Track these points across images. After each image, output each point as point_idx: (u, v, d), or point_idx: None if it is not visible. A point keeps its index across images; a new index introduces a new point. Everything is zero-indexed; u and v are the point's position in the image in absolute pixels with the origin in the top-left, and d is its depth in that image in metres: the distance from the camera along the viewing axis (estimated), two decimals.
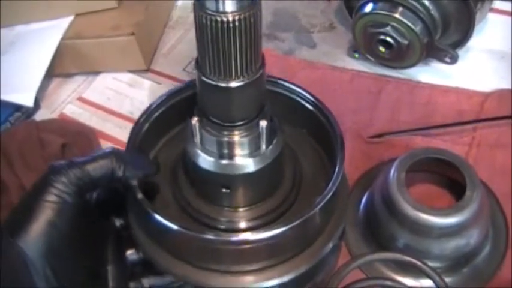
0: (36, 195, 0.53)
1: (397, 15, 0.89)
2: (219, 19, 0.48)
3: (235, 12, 0.49)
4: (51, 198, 0.53)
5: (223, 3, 0.48)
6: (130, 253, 0.63)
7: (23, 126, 0.93)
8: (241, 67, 0.52)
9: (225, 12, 0.48)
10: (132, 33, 0.99)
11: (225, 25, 0.49)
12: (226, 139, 0.57)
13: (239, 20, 0.49)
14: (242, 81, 0.53)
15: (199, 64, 0.54)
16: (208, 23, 0.49)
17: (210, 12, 0.49)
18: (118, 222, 0.64)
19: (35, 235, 0.52)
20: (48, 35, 1.01)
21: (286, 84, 0.68)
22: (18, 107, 0.97)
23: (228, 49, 0.50)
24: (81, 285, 0.56)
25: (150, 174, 0.60)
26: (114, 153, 0.57)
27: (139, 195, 0.58)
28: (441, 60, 0.95)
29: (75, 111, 1.00)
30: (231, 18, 0.48)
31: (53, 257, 0.52)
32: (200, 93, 0.57)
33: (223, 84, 0.53)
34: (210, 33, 0.50)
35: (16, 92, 0.97)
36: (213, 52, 0.51)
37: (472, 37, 0.94)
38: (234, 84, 0.53)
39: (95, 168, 0.55)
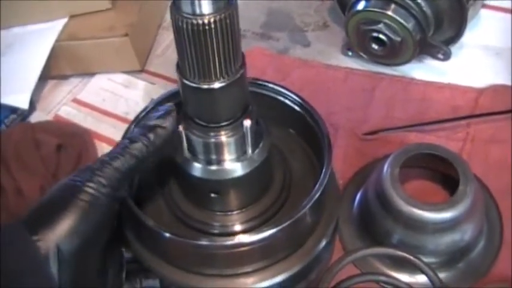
0: (71, 193, 0.53)
1: (389, 13, 0.89)
2: (195, 22, 0.49)
3: (211, 14, 0.49)
4: (86, 197, 0.53)
5: (199, 5, 0.48)
6: (124, 251, 0.63)
7: (19, 128, 0.93)
8: (221, 68, 0.52)
9: (201, 15, 0.49)
10: (126, 34, 0.99)
11: (202, 27, 0.49)
12: (212, 140, 0.57)
13: (215, 21, 0.49)
14: (223, 82, 0.53)
15: (179, 67, 0.54)
16: (185, 26, 0.49)
17: (186, 15, 0.49)
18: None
19: (69, 230, 0.51)
20: (43, 37, 1.01)
21: (273, 86, 0.68)
22: (13, 109, 0.97)
23: (207, 51, 0.50)
24: (90, 283, 0.56)
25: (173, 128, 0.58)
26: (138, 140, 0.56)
27: (131, 204, 0.59)
28: (434, 56, 0.95)
29: (70, 113, 1.00)
30: (207, 21, 0.49)
31: (81, 253, 0.53)
32: (183, 96, 0.57)
33: (204, 86, 0.53)
34: (188, 36, 0.50)
35: (11, 94, 0.97)
36: (192, 55, 0.51)
37: (465, 33, 0.94)
38: (215, 85, 0.53)
39: (124, 163, 0.55)
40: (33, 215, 0.53)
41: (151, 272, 0.62)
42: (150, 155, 0.57)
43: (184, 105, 0.58)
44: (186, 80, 0.54)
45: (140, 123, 0.60)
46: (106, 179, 0.54)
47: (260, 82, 0.68)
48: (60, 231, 0.51)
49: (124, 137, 0.62)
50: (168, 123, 0.57)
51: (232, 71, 0.53)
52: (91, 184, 0.53)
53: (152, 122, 0.58)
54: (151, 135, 0.56)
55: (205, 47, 0.50)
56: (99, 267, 0.57)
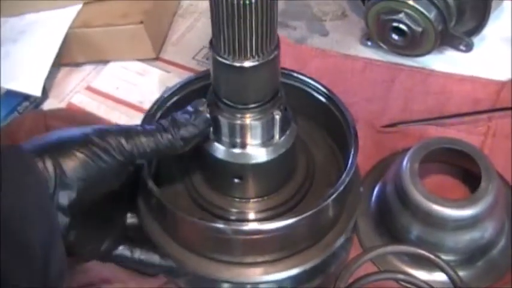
0: (85, 141, 0.54)
1: (411, 2, 0.87)
2: None
3: None
4: (98, 151, 0.54)
5: None
6: (130, 216, 0.63)
7: (31, 115, 0.92)
8: (256, 46, 0.51)
9: None
10: (141, 22, 0.97)
11: (241, 2, 0.48)
12: (238, 122, 0.56)
13: None
14: (257, 61, 0.52)
15: (213, 44, 0.53)
16: (224, 0, 0.48)
17: None
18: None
19: (78, 162, 0.53)
20: (56, 23, 1.00)
21: (299, 75, 0.68)
22: (26, 97, 0.96)
23: (244, 28, 0.50)
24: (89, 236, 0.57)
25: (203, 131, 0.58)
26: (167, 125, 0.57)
27: (150, 184, 0.58)
28: (456, 48, 0.93)
29: (83, 101, 0.99)
30: None
31: (85, 188, 0.54)
32: (214, 74, 0.56)
33: (237, 64, 0.52)
34: (225, 11, 0.49)
35: (24, 81, 0.96)
36: (228, 31, 0.50)
37: (487, 25, 0.92)
38: (248, 64, 0.52)
39: (149, 144, 0.56)
40: (42, 144, 0.54)
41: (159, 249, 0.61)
42: (173, 150, 0.57)
43: (213, 84, 0.57)
44: (219, 56, 0.53)
45: (173, 114, 0.58)
46: (124, 147, 0.55)
47: (285, 71, 0.67)
48: (71, 160, 0.53)
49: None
50: (200, 122, 0.57)
51: (267, 51, 0.52)
52: (108, 144, 0.54)
53: (184, 118, 0.57)
54: (182, 132, 0.56)
55: (243, 24, 0.49)
56: (99, 229, 0.59)
